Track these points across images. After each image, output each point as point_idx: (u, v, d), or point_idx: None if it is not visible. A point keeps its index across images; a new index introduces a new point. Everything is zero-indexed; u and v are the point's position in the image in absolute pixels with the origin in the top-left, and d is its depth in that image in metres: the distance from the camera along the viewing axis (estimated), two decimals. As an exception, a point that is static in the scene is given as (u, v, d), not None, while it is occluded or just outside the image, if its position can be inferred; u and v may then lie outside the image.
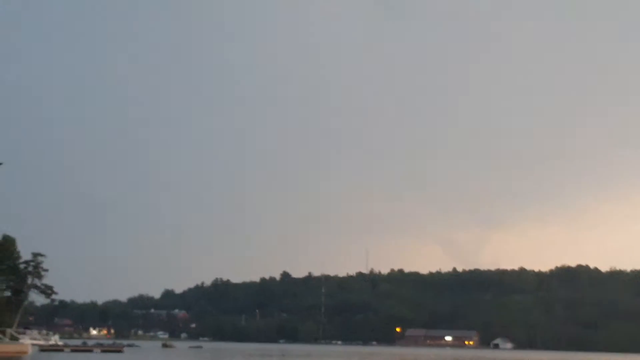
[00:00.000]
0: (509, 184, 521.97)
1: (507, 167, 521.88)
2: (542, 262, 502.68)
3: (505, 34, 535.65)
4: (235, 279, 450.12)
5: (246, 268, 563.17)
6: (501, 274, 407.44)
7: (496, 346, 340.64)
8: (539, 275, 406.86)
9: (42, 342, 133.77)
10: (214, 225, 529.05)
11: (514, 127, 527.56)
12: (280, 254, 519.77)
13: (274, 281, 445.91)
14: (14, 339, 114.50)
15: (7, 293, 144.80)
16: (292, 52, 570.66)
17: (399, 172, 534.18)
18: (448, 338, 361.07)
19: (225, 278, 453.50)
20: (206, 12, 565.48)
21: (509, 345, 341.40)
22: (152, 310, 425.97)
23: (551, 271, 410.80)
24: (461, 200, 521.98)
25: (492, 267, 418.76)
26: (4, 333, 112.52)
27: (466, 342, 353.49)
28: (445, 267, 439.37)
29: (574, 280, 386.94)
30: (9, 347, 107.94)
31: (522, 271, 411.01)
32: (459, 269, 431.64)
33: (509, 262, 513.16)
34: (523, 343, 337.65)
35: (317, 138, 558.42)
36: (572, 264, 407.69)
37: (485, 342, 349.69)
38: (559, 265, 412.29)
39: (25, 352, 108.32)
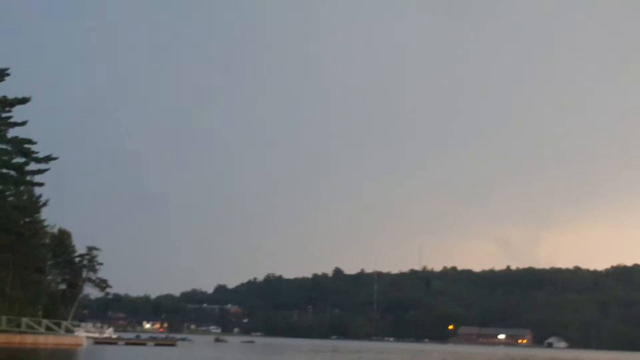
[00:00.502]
0: (564, 182, 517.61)
1: (564, 165, 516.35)
2: (598, 261, 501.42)
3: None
4: (288, 274, 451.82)
5: (298, 264, 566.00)
6: (556, 273, 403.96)
7: (550, 345, 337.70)
8: (594, 274, 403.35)
9: (96, 335, 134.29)
10: (266, 221, 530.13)
11: (571, 125, 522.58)
12: (332, 250, 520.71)
13: (326, 277, 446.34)
14: (69, 331, 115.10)
15: (63, 286, 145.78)
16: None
17: (453, 168, 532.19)
18: (501, 336, 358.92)
19: (277, 273, 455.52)
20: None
21: (562, 344, 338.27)
22: (205, 305, 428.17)
23: (606, 270, 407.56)
24: (516, 198, 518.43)
25: (547, 266, 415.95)
26: (59, 325, 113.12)
27: (519, 341, 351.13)
28: (499, 265, 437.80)
29: (630, 279, 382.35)
30: (64, 339, 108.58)
31: (577, 270, 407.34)
32: (513, 267, 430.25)
33: (564, 261, 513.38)
34: (577, 342, 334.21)
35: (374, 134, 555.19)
36: (628, 263, 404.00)
37: (539, 340, 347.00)
38: (614, 264, 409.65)
39: (79, 345, 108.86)
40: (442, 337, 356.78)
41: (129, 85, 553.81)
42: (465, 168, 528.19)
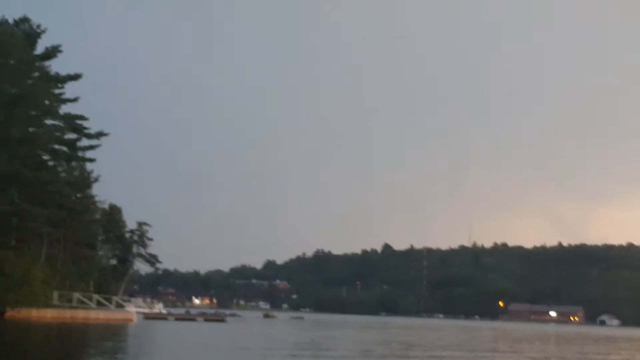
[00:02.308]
0: (618, 158, 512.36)
1: (617, 140, 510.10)
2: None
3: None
4: (337, 250, 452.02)
5: (347, 239, 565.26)
6: (608, 249, 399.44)
7: (602, 322, 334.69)
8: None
9: (146, 310, 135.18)
10: (316, 198, 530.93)
11: (625, 103, 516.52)
12: (382, 226, 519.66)
13: (376, 253, 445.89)
14: (119, 306, 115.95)
15: (113, 261, 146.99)
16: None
17: (504, 144, 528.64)
18: (552, 313, 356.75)
19: (326, 249, 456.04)
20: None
21: (615, 322, 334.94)
22: (254, 281, 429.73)
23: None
24: (568, 173, 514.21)
25: (599, 242, 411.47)
26: (110, 300, 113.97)
27: (571, 318, 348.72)
28: (551, 242, 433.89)
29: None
30: (115, 314, 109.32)
31: (631, 246, 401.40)
32: (565, 244, 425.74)
33: (617, 237, 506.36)
34: (630, 320, 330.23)
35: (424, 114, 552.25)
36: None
37: (591, 318, 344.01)
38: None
39: (130, 320, 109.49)
40: (492, 314, 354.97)
41: (172, 61, 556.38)
42: (517, 143, 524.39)
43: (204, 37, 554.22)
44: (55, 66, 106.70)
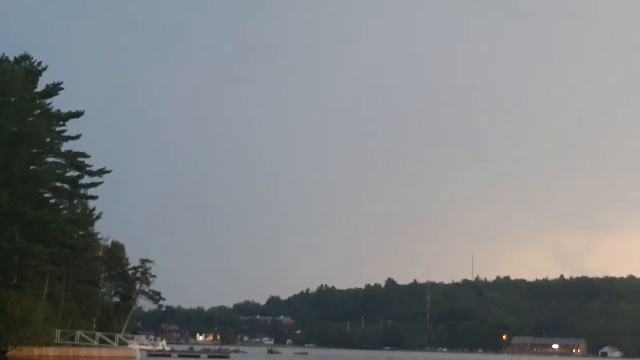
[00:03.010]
0: (618, 190, 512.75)
1: (617, 172, 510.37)
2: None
3: None
4: (340, 285, 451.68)
5: (351, 275, 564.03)
6: (610, 282, 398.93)
7: (604, 355, 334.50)
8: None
9: (149, 347, 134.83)
10: (318, 232, 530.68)
11: (627, 131, 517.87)
12: (385, 261, 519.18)
13: (379, 288, 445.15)
14: (122, 343, 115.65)
15: (116, 299, 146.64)
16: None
17: (506, 177, 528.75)
18: (555, 346, 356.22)
19: (330, 284, 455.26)
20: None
21: (617, 353, 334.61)
22: (258, 317, 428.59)
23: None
24: (569, 206, 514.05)
25: (601, 275, 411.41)
26: (112, 338, 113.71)
27: (573, 351, 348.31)
28: (553, 274, 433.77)
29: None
30: (118, 352, 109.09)
31: (632, 279, 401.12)
32: (567, 276, 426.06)
33: (618, 270, 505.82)
34: (632, 352, 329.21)
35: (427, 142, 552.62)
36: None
37: (593, 350, 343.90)
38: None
39: (133, 357, 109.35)
40: (495, 347, 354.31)
41: (173, 99, 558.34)
42: (518, 177, 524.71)
43: (205, 74, 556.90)
44: (57, 103, 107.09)
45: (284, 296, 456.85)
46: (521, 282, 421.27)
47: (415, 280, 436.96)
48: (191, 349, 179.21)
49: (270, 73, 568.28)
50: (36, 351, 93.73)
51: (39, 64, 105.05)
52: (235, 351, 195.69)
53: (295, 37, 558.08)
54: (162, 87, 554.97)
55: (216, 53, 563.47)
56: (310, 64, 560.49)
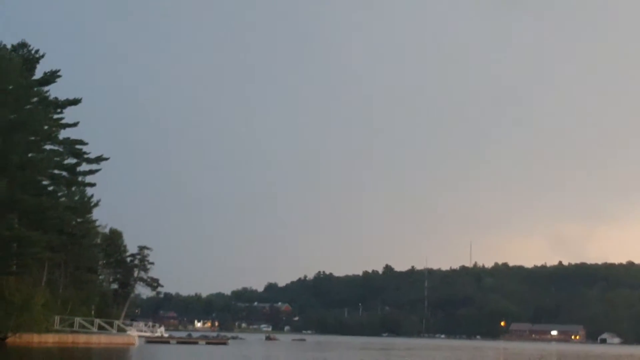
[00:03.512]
0: (617, 177, 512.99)
1: (615, 159, 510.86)
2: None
3: None
4: (338, 272, 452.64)
5: (349, 261, 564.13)
6: (608, 268, 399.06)
7: (603, 341, 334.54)
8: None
9: (148, 334, 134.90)
10: (317, 219, 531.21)
11: (626, 120, 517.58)
12: (383, 248, 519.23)
13: (377, 275, 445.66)
14: (121, 330, 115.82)
15: (115, 285, 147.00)
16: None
17: (505, 165, 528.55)
18: (553, 332, 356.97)
19: (328, 271, 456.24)
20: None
21: (616, 340, 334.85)
22: (256, 303, 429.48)
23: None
24: (568, 192, 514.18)
25: (599, 261, 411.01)
26: (111, 325, 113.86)
27: (572, 337, 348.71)
28: (551, 261, 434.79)
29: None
30: (116, 339, 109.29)
31: (631, 265, 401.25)
32: (565, 263, 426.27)
33: (617, 256, 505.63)
34: (631, 338, 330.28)
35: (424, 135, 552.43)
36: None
37: (592, 337, 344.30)
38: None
39: (132, 344, 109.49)
40: (493, 333, 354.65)
41: (173, 86, 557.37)
42: (516, 162, 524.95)
43: (206, 65, 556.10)
44: (54, 91, 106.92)
45: (281, 283, 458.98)
46: (519, 269, 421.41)
47: (413, 266, 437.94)
48: (189, 335, 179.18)
49: (270, 71, 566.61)
50: (35, 338, 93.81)
51: (37, 51, 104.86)
52: (233, 338, 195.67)
53: (296, 34, 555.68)
54: (160, 74, 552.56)
55: (216, 44, 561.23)
56: (310, 61, 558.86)
